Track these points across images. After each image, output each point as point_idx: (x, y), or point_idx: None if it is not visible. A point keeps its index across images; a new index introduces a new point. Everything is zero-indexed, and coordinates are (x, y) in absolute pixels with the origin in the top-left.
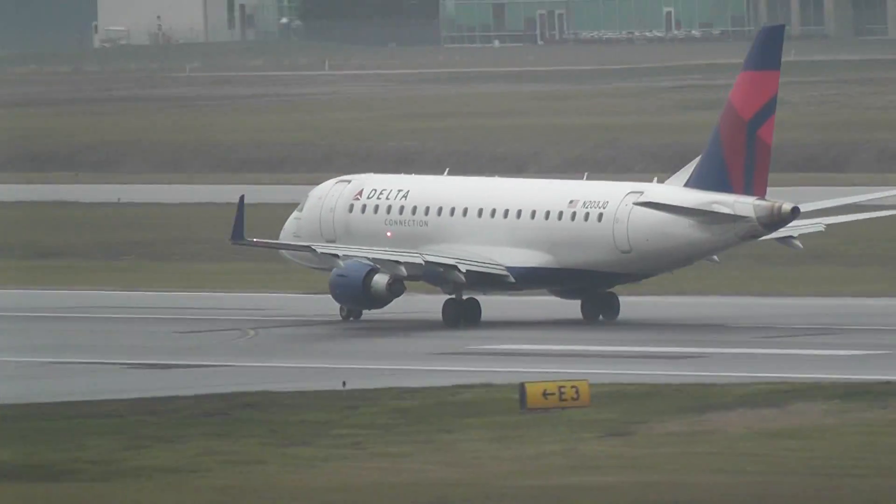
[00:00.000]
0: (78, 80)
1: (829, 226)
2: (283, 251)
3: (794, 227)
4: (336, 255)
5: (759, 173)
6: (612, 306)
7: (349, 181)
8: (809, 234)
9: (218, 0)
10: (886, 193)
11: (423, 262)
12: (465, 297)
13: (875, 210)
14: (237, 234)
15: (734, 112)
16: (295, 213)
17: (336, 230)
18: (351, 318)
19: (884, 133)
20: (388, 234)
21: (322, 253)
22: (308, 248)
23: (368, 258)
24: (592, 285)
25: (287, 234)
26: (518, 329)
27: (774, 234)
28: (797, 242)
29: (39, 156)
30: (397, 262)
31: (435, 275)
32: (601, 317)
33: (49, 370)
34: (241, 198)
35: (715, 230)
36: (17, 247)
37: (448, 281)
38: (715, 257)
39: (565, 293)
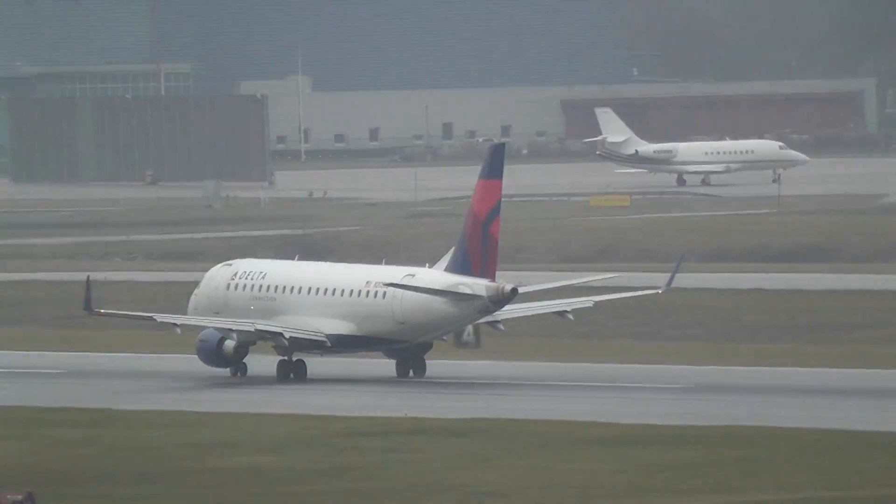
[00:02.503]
0: None
1: (596, 302)
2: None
3: (569, 303)
4: (175, 324)
5: (490, 261)
6: (421, 366)
7: (230, 265)
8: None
9: None
10: (597, 277)
11: (254, 330)
12: (294, 358)
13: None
14: (86, 305)
15: (473, 213)
16: (195, 291)
17: (219, 304)
18: (238, 374)
19: None
20: (252, 307)
21: (160, 321)
22: (150, 318)
23: (212, 328)
24: (399, 349)
25: (190, 307)
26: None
27: (502, 315)
28: (500, 326)
29: None
30: (230, 329)
31: (269, 340)
32: (411, 373)
33: None
34: None
35: (461, 306)
36: None
37: (278, 345)
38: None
39: (388, 354)
